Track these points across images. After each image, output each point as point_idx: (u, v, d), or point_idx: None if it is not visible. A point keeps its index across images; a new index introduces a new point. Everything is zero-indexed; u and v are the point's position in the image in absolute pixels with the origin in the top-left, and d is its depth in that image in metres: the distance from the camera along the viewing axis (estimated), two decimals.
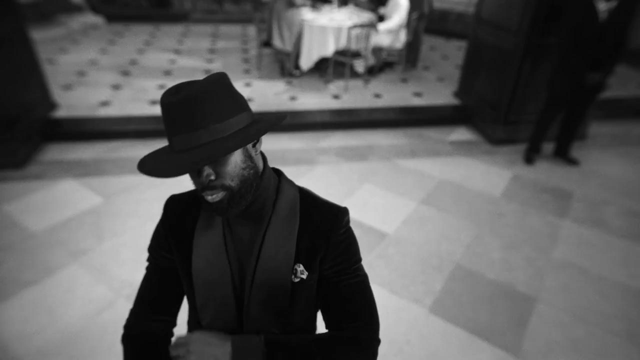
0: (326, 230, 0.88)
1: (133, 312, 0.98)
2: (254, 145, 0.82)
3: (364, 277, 0.94)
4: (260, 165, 0.86)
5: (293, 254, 0.87)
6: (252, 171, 0.81)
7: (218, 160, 0.75)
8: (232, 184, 0.77)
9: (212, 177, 0.76)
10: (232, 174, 0.77)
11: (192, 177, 0.79)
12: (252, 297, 0.88)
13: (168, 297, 0.98)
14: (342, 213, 0.91)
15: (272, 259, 0.86)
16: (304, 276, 0.88)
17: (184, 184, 3.38)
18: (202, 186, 0.77)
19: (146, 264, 1.00)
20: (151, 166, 0.76)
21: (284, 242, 0.87)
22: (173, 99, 0.72)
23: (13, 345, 2.02)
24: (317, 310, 1.01)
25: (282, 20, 5.00)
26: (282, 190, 0.90)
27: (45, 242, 2.66)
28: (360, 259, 0.94)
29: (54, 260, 2.52)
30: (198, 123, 0.72)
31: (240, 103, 0.80)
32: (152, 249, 0.98)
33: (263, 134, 0.77)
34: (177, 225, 0.93)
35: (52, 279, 2.40)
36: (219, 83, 0.77)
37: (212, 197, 0.77)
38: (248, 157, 0.80)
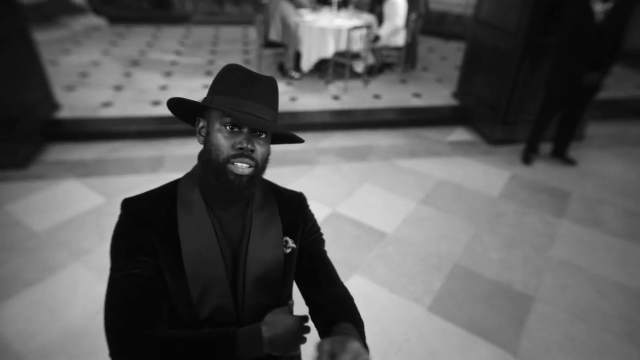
0: (299, 207, 1.03)
1: (123, 337, 0.80)
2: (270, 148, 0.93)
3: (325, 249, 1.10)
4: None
5: (281, 230, 0.96)
6: (267, 164, 0.90)
7: (261, 140, 0.85)
8: (260, 164, 0.85)
9: (253, 149, 0.82)
10: (263, 156, 0.86)
11: (233, 142, 0.82)
12: (247, 275, 0.90)
13: (157, 305, 0.85)
14: (302, 195, 1.07)
15: (263, 236, 0.93)
16: (294, 246, 0.98)
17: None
18: (240, 152, 0.81)
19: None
20: (238, 114, 0.80)
21: (270, 221, 0.95)
22: (252, 72, 0.86)
23: (15, 344, 2.02)
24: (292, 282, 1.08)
25: (276, 12, 4.99)
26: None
27: (47, 241, 2.66)
28: (322, 234, 1.10)
29: (56, 260, 2.52)
30: (267, 102, 0.86)
31: (278, 107, 0.93)
32: (125, 256, 0.84)
33: (288, 140, 0.98)
34: (156, 220, 0.86)
35: (54, 278, 2.40)
36: (277, 85, 0.91)
37: (242, 167, 0.82)
38: (269, 153, 0.90)
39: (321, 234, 1.08)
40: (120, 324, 0.81)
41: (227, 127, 0.82)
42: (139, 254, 0.84)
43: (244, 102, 0.82)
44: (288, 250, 0.96)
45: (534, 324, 2.26)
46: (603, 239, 2.95)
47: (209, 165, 0.84)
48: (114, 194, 3.12)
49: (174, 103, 0.89)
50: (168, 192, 0.92)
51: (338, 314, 0.93)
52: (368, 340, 2.13)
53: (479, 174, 3.67)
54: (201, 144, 0.89)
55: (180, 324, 0.90)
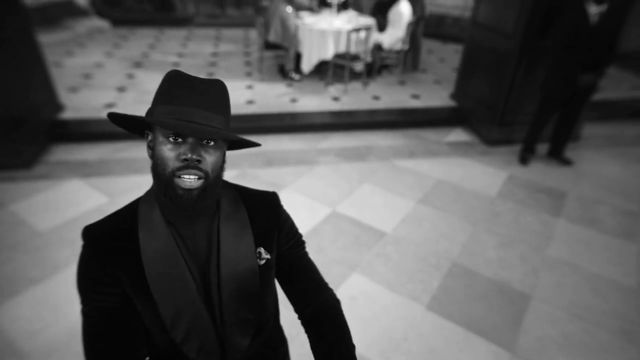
0: (271, 212, 0.95)
1: None
2: (224, 155, 0.86)
3: (306, 250, 1.04)
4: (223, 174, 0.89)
5: (252, 241, 0.90)
6: (222, 172, 0.84)
7: (210, 148, 0.77)
8: (211, 174, 0.78)
9: (199, 159, 0.75)
10: (213, 165, 0.78)
11: (176, 154, 0.75)
12: (222, 291, 0.85)
13: (130, 335, 0.84)
14: (275, 196, 0.99)
15: (234, 249, 0.87)
16: (268, 256, 0.92)
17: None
18: (186, 164, 0.75)
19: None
20: (177, 124, 0.74)
21: (241, 232, 0.89)
22: (193, 77, 0.79)
23: (19, 341, 2.02)
24: (275, 288, 1.04)
25: (276, 14, 4.99)
26: (223, 187, 0.92)
27: (52, 240, 2.66)
28: (301, 236, 1.03)
29: (60, 259, 2.51)
30: (215, 107, 0.79)
31: (229, 112, 0.86)
32: (91, 289, 0.81)
33: (245, 145, 0.88)
34: (116, 248, 0.82)
35: (58, 276, 2.39)
36: (226, 88, 0.84)
37: (190, 181, 0.76)
38: (223, 161, 0.83)
39: (300, 236, 1.01)
40: (91, 358, 0.83)
41: (170, 139, 0.75)
42: (102, 287, 0.81)
43: (185, 109, 0.76)
44: (262, 262, 0.90)
45: (531, 322, 2.26)
46: (599, 238, 2.94)
47: (158, 180, 0.79)
48: (117, 194, 3.12)
49: (115, 118, 0.81)
50: (129, 214, 0.86)
51: (325, 333, 0.95)
52: (367, 338, 2.13)
53: (476, 174, 3.66)
54: (150, 158, 0.81)
55: (158, 349, 0.90)
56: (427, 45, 7.01)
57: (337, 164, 3.70)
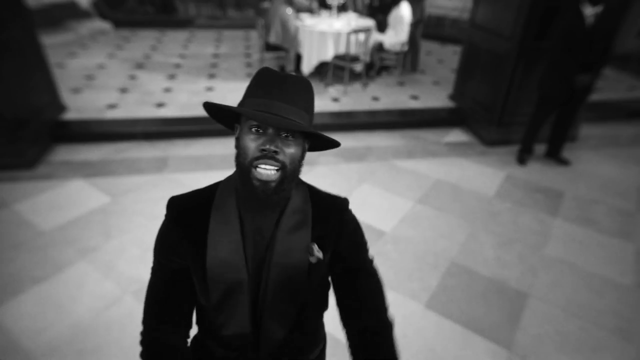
0: (335, 217, 0.93)
1: (147, 325, 0.92)
2: (304, 151, 0.87)
3: (371, 258, 1.00)
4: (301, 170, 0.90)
5: (309, 238, 0.89)
6: (300, 167, 0.85)
7: (289, 141, 0.79)
8: (289, 166, 0.79)
9: (278, 150, 0.77)
10: (292, 158, 0.80)
11: (256, 144, 0.78)
12: (269, 281, 0.87)
13: (180, 302, 0.91)
14: (344, 202, 0.96)
15: (288, 241, 0.87)
16: (320, 255, 0.89)
17: (185, 183, 3.38)
18: (264, 154, 0.77)
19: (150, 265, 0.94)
20: (258, 114, 0.76)
21: (299, 227, 0.89)
22: (282, 73, 0.81)
23: (23, 339, 2.02)
24: (328, 290, 1.02)
25: (276, 16, 5.00)
26: (297, 184, 0.92)
27: (55, 240, 2.66)
28: (366, 244, 0.99)
29: (63, 258, 2.52)
30: (297, 102, 0.80)
31: (313, 110, 0.87)
32: (160, 252, 0.90)
33: (324, 145, 0.89)
34: (189, 223, 0.87)
35: (61, 275, 2.40)
36: (311, 85, 0.85)
37: (268, 173, 0.77)
38: (302, 156, 0.84)
39: (364, 243, 0.98)
40: (146, 313, 0.92)
41: (253, 130, 0.78)
42: (171, 254, 0.88)
43: (268, 101, 0.78)
44: (313, 260, 0.89)
45: (528, 320, 2.26)
46: (596, 237, 2.95)
47: (239, 170, 0.81)
48: (119, 194, 3.12)
49: (208, 107, 0.85)
50: (207, 195, 0.89)
51: (368, 351, 0.92)
52: None
53: (474, 174, 3.67)
54: (235, 148, 0.84)
55: (204, 326, 0.97)
56: (426, 46, 7.01)
57: (337, 164, 3.71)
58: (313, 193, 0.95)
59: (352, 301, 0.95)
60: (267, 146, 0.76)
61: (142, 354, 0.91)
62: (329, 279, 0.99)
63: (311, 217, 0.90)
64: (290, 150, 0.79)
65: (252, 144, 0.78)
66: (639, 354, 2.11)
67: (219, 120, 0.91)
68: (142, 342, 0.91)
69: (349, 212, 0.95)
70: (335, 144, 0.88)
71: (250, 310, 0.89)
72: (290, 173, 0.81)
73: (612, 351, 2.11)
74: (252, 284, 0.88)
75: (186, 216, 0.88)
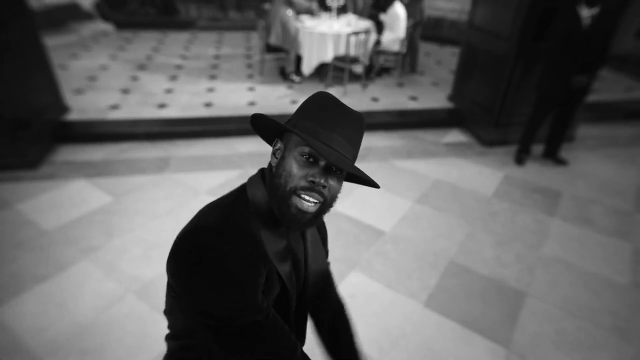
0: (322, 223, 1.01)
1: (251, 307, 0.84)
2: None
3: None
4: None
5: (323, 247, 0.98)
6: (336, 200, 0.81)
7: (337, 177, 0.76)
8: (329, 201, 0.77)
9: (325, 185, 0.74)
10: (333, 193, 0.77)
11: (306, 172, 0.73)
12: (307, 288, 0.93)
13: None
14: None
15: (316, 257, 0.94)
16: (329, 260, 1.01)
17: (186, 183, 3.36)
18: (312, 186, 0.73)
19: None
20: (320, 146, 0.71)
21: (316, 236, 0.96)
22: (342, 104, 0.78)
23: (25, 338, 2.02)
24: None
25: (276, 18, 5.00)
26: None
27: (57, 239, 2.66)
28: None
29: (66, 257, 2.52)
30: (352, 140, 0.77)
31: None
32: (256, 295, 0.75)
33: (369, 182, 0.83)
34: (261, 250, 0.79)
35: (64, 274, 2.40)
36: (364, 124, 0.82)
37: (309, 203, 0.74)
38: (340, 190, 0.81)
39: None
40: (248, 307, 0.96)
41: (304, 157, 0.73)
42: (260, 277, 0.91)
43: (328, 134, 0.73)
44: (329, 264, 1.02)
45: (526, 319, 2.26)
46: (593, 237, 2.94)
47: (275, 190, 0.75)
48: (121, 194, 3.12)
49: (256, 117, 0.79)
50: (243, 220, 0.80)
51: (340, 329, 1.03)
52: (366, 335, 2.13)
53: (473, 174, 3.66)
54: (274, 165, 0.78)
55: None
56: (425, 48, 7.01)
57: None
58: None
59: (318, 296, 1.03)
60: (318, 179, 0.72)
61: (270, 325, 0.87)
62: None
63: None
64: (336, 187, 0.76)
65: (299, 172, 0.73)
66: (637, 352, 2.11)
67: (259, 131, 0.86)
68: (258, 322, 0.86)
69: None
70: (375, 186, 0.84)
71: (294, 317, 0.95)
72: (327, 208, 0.78)
73: (610, 350, 2.11)
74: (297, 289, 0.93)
75: (253, 245, 0.84)
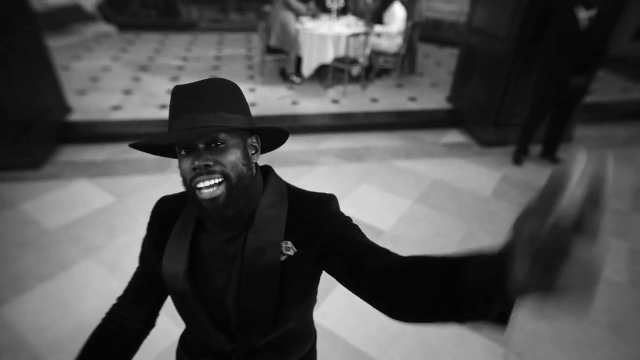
0: (316, 217, 0.80)
1: (115, 306, 0.94)
2: (253, 153, 0.81)
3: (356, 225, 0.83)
4: (254, 171, 0.82)
5: (282, 235, 0.79)
6: (249, 170, 0.77)
7: (220, 149, 0.72)
8: (232, 174, 0.72)
9: (210, 163, 0.70)
10: (232, 163, 0.72)
11: (186, 164, 0.72)
12: (241, 286, 0.79)
13: (148, 299, 0.92)
14: (326, 198, 0.84)
15: (258, 242, 0.79)
16: (290, 252, 0.79)
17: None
18: (198, 171, 0.70)
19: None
20: (161, 137, 0.72)
21: (272, 224, 0.80)
22: (187, 85, 0.74)
23: (28, 336, 2.02)
24: (313, 286, 0.89)
25: (276, 20, 5.00)
26: (269, 181, 0.85)
27: (60, 238, 2.66)
28: (356, 226, 0.82)
29: (69, 256, 2.52)
30: (208, 106, 0.72)
31: (245, 107, 0.79)
32: (140, 253, 0.93)
33: (258, 130, 0.80)
34: (159, 229, 0.87)
35: (67, 273, 2.40)
36: (231, 83, 0.78)
37: (210, 190, 0.70)
38: (246, 156, 0.77)
39: (348, 221, 0.81)
40: (115, 302, 0.95)
41: (182, 152, 0.73)
42: (145, 259, 0.92)
43: (180, 119, 0.72)
44: (283, 258, 0.79)
45: (524, 318, 2.26)
46: None
47: (188, 196, 0.77)
48: (123, 194, 3.12)
49: (140, 147, 0.78)
50: (184, 201, 0.88)
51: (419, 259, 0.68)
52: (366, 333, 2.11)
53: (471, 174, 3.66)
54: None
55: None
56: (424, 49, 7.01)
57: (337, 164, 3.70)
58: (292, 192, 0.85)
59: (357, 255, 0.75)
60: (196, 163, 0.70)
61: (94, 330, 0.97)
62: (313, 273, 0.85)
63: (285, 218, 0.81)
64: (227, 157, 0.72)
65: (186, 166, 0.72)
66: (633, 350, 2.10)
67: (159, 154, 0.84)
68: (102, 320, 0.95)
69: (331, 207, 0.81)
70: (277, 130, 0.80)
71: (212, 318, 0.85)
72: (237, 181, 0.73)
73: (607, 348, 2.11)
74: (217, 292, 0.83)
75: (162, 220, 0.87)
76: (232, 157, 0.73)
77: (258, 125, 0.78)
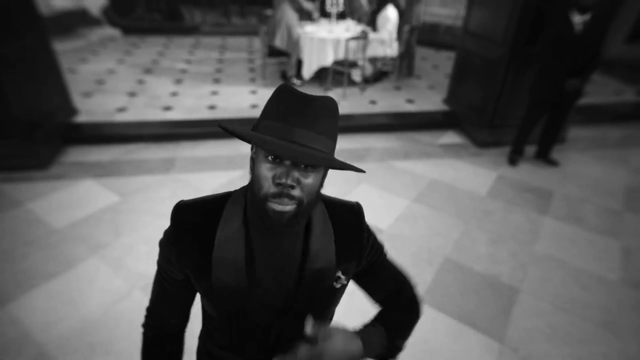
0: (355, 235, 0.86)
1: (151, 311, 0.92)
2: (324, 177, 0.78)
3: (386, 252, 0.96)
4: (320, 199, 0.82)
5: (335, 262, 0.82)
6: (317, 197, 0.75)
7: (308, 173, 0.69)
8: (305, 199, 0.70)
9: (295, 184, 0.68)
10: (310, 190, 0.70)
11: (272, 175, 0.68)
12: (296, 306, 0.81)
13: (181, 301, 0.90)
14: (358, 211, 0.89)
15: (317, 269, 0.81)
16: (345, 282, 0.86)
17: (191, 183, 3.36)
18: (279, 190, 0.68)
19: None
20: (274, 144, 0.66)
21: (326, 251, 0.81)
22: (303, 93, 0.70)
23: (35, 333, 2.02)
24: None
25: (282, 21, 4.99)
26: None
27: (67, 237, 2.66)
28: (381, 243, 0.94)
29: (75, 254, 2.52)
30: (320, 129, 0.69)
31: (337, 133, 0.77)
32: (162, 259, 0.84)
33: (349, 169, 0.74)
34: (194, 240, 0.79)
35: (73, 271, 2.40)
36: (336, 106, 0.74)
37: (283, 207, 0.69)
38: (321, 184, 0.75)
39: (381, 249, 0.93)
40: (151, 302, 0.92)
41: (269, 158, 0.68)
42: (172, 268, 0.83)
43: (287, 127, 0.67)
44: (338, 286, 0.84)
45: (519, 314, 2.26)
46: (584, 235, 2.94)
47: (252, 198, 0.73)
48: (128, 193, 3.12)
49: (222, 128, 0.74)
50: (216, 208, 0.80)
51: (394, 324, 0.91)
52: None
53: (468, 174, 3.66)
54: (250, 171, 0.75)
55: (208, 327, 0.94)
56: (422, 52, 7.01)
57: None
58: (328, 206, 0.85)
59: (375, 285, 0.94)
60: (283, 180, 0.66)
61: (143, 339, 0.93)
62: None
63: (333, 237, 0.82)
64: (309, 182, 0.69)
65: (268, 174, 0.68)
66: (624, 346, 2.11)
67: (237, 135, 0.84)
68: (145, 325, 0.93)
69: (364, 223, 0.88)
70: (359, 171, 0.75)
71: (261, 333, 0.84)
72: (307, 207, 0.72)
73: (599, 343, 2.11)
74: (269, 310, 0.82)
75: (193, 235, 0.79)
76: (313, 182, 0.70)
77: (347, 163, 0.72)
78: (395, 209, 3.13)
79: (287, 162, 0.67)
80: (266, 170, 0.68)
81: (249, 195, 0.75)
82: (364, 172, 0.71)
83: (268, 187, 0.68)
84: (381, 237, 2.90)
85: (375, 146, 4.11)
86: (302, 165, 0.68)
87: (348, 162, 0.72)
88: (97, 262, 2.46)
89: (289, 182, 0.66)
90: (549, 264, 2.65)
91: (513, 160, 3.84)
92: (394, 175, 3.58)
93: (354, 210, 0.88)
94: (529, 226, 3.00)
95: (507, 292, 2.41)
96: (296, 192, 0.68)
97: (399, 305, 0.93)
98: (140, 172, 3.42)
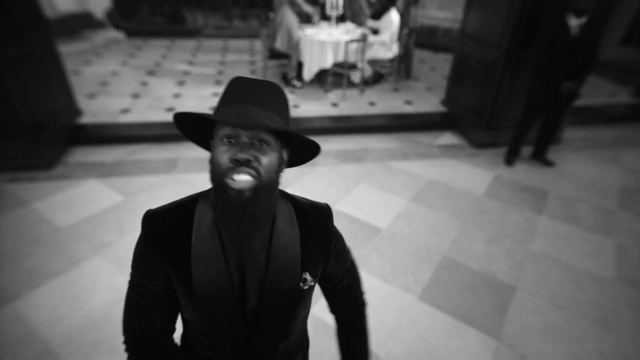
0: (322, 236, 0.86)
1: (130, 334, 0.85)
2: (281, 165, 0.78)
3: (352, 261, 0.98)
4: (278, 184, 0.80)
5: (299, 261, 0.82)
6: (277, 178, 0.76)
7: (264, 149, 0.71)
8: (263, 174, 0.70)
9: (252, 158, 0.69)
10: (267, 167, 0.71)
11: (229, 155, 0.69)
12: (262, 305, 0.81)
13: (164, 313, 0.85)
14: (327, 213, 0.88)
15: (282, 270, 0.81)
16: (312, 283, 0.86)
17: (194, 182, 3.36)
18: (238, 162, 0.68)
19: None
20: (227, 113, 0.70)
21: (290, 250, 0.81)
22: (253, 79, 0.74)
23: (40, 329, 2.02)
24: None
25: (283, 23, 4.99)
26: (278, 198, 0.83)
27: (71, 236, 2.66)
28: (348, 249, 0.97)
29: (79, 253, 2.52)
30: (271, 108, 0.73)
31: (289, 119, 0.80)
32: (138, 272, 0.81)
33: (307, 151, 0.80)
34: (169, 244, 0.78)
35: (77, 269, 2.40)
36: (284, 94, 0.78)
37: (241, 179, 0.68)
38: (279, 165, 0.75)
39: (347, 252, 0.95)
40: (127, 323, 0.85)
41: (226, 140, 0.70)
42: (150, 274, 0.80)
43: (243, 107, 0.71)
44: (305, 287, 0.84)
45: (515, 312, 2.26)
46: (579, 233, 2.94)
47: (213, 184, 0.73)
48: (132, 193, 3.12)
49: (178, 119, 0.75)
50: (187, 211, 0.80)
51: (352, 337, 1.03)
52: None
53: (465, 174, 3.66)
54: (209, 164, 0.75)
55: (192, 328, 0.89)
56: (420, 55, 7.01)
57: (336, 165, 3.70)
58: (297, 207, 0.85)
59: (332, 299, 0.99)
60: (240, 155, 0.68)
61: (129, 355, 0.86)
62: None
63: (299, 238, 0.82)
64: (266, 159, 0.70)
65: (224, 156, 0.69)
66: (618, 342, 2.11)
67: (192, 138, 0.81)
68: (128, 350, 0.86)
69: (332, 226, 0.88)
70: (314, 146, 0.77)
71: (243, 327, 0.83)
72: (265, 183, 0.71)
73: (594, 340, 2.11)
74: (240, 302, 0.81)
75: (165, 238, 0.78)
76: (270, 159, 0.72)
77: (302, 135, 0.75)
78: (393, 208, 3.13)
79: (244, 140, 0.69)
80: (223, 153, 0.70)
81: (211, 182, 0.74)
82: (318, 147, 0.77)
83: (225, 164, 0.69)
84: (380, 236, 2.91)
85: (374, 147, 4.11)
86: (257, 142, 0.70)
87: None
88: (100, 261, 2.46)
89: (246, 156, 0.68)
90: (545, 262, 2.65)
91: (509, 160, 3.84)
92: (392, 175, 3.58)
93: (323, 212, 0.87)
94: (525, 225, 3.00)
95: (504, 290, 2.41)
96: (254, 164, 0.69)
97: (349, 319, 1.02)
98: (144, 172, 3.42)
